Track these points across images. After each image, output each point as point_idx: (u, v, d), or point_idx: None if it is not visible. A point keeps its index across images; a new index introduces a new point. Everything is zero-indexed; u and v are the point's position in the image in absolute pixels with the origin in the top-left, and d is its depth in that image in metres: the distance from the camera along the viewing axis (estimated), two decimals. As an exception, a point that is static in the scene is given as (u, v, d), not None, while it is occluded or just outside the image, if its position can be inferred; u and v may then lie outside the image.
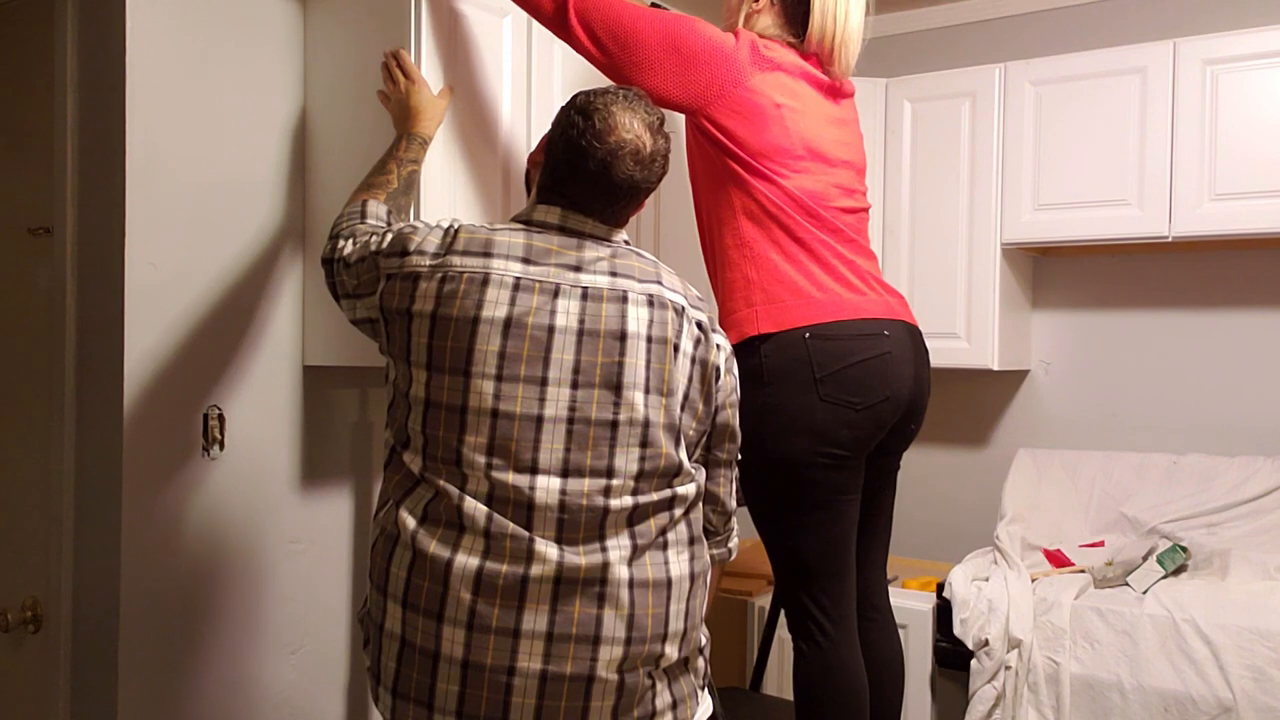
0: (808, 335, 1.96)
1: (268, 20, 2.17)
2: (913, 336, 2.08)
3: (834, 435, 1.95)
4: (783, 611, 2.15)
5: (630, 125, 1.55)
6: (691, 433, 1.59)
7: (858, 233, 2.09)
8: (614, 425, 1.48)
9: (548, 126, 2.20)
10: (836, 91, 2.12)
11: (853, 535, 2.06)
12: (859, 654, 2.08)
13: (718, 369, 1.62)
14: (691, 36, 1.95)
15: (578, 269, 1.52)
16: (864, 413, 1.96)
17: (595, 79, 2.38)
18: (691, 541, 1.56)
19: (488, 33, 2.15)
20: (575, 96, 1.61)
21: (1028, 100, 3.01)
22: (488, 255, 1.50)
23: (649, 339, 1.52)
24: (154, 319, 1.98)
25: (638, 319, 1.52)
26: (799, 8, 2.08)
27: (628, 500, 1.48)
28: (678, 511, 1.54)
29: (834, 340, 1.96)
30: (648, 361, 1.51)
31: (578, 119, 1.56)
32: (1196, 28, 3.04)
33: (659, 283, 1.58)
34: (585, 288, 1.51)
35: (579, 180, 1.57)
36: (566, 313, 1.49)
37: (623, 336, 1.50)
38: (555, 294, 1.49)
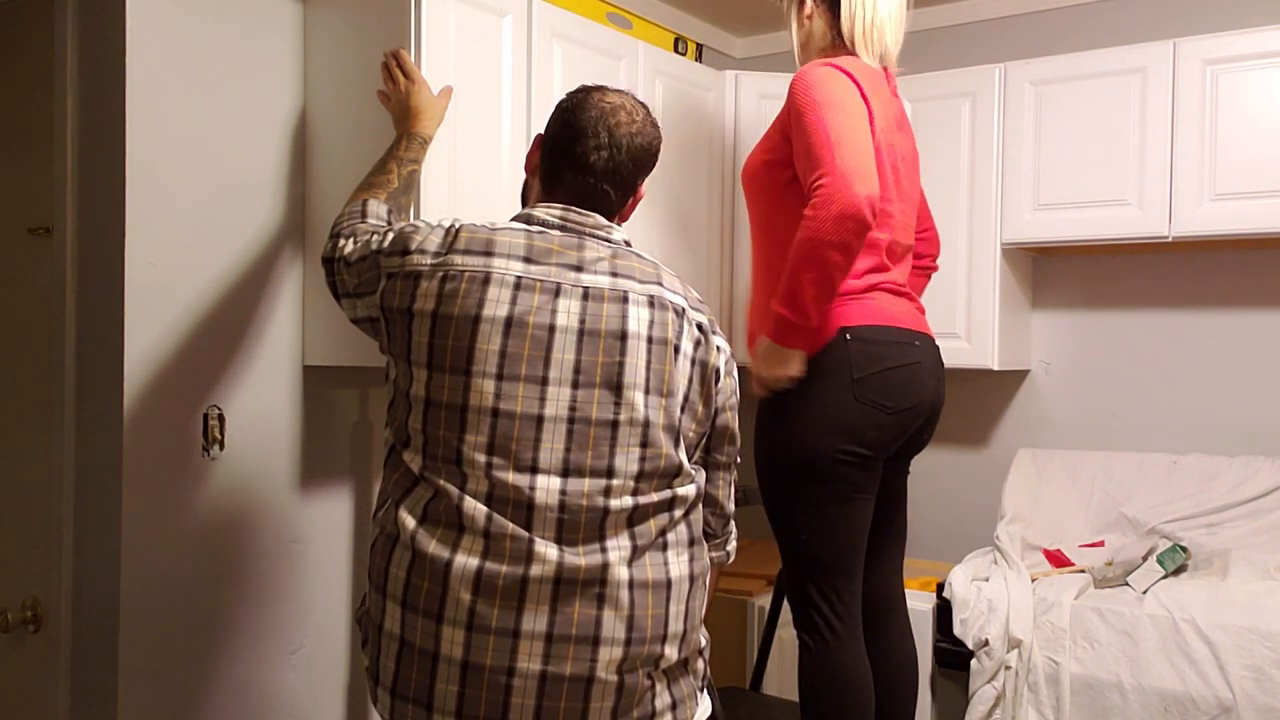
0: (849, 336, 2.01)
1: (268, 20, 2.17)
2: (934, 349, 2.16)
3: (863, 435, 1.99)
4: (789, 608, 2.16)
5: (616, 96, 1.64)
6: (691, 434, 1.59)
7: (906, 251, 2.19)
8: (614, 425, 1.48)
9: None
10: (907, 130, 2.21)
11: (865, 535, 2.09)
12: (864, 652, 2.09)
13: (717, 370, 1.63)
14: (858, 129, 1.95)
15: (579, 269, 1.52)
16: (893, 416, 2.01)
17: (597, 76, 2.38)
18: (691, 543, 1.56)
19: (488, 33, 2.15)
20: (565, 95, 1.68)
21: (1028, 100, 3.01)
22: (489, 254, 1.50)
23: (650, 339, 1.52)
24: (154, 319, 1.99)
25: (638, 319, 1.52)
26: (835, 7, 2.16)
27: (628, 501, 1.48)
28: (677, 513, 1.54)
29: (873, 344, 2.02)
30: (648, 362, 1.52)
31: (567, 100, 1.65)
32: (1196, 28, 3.04)
33: (659, 284, 1.58)
34: (586, 288, 1.51)
35: (585, 154, 1.60)
36: (568, 312, 1.49)
37: (623, 337, 1.50)
38: (556, 293, 1.49)
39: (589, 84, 1.67)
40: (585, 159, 1.60)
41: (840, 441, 1.99)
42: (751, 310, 2.19)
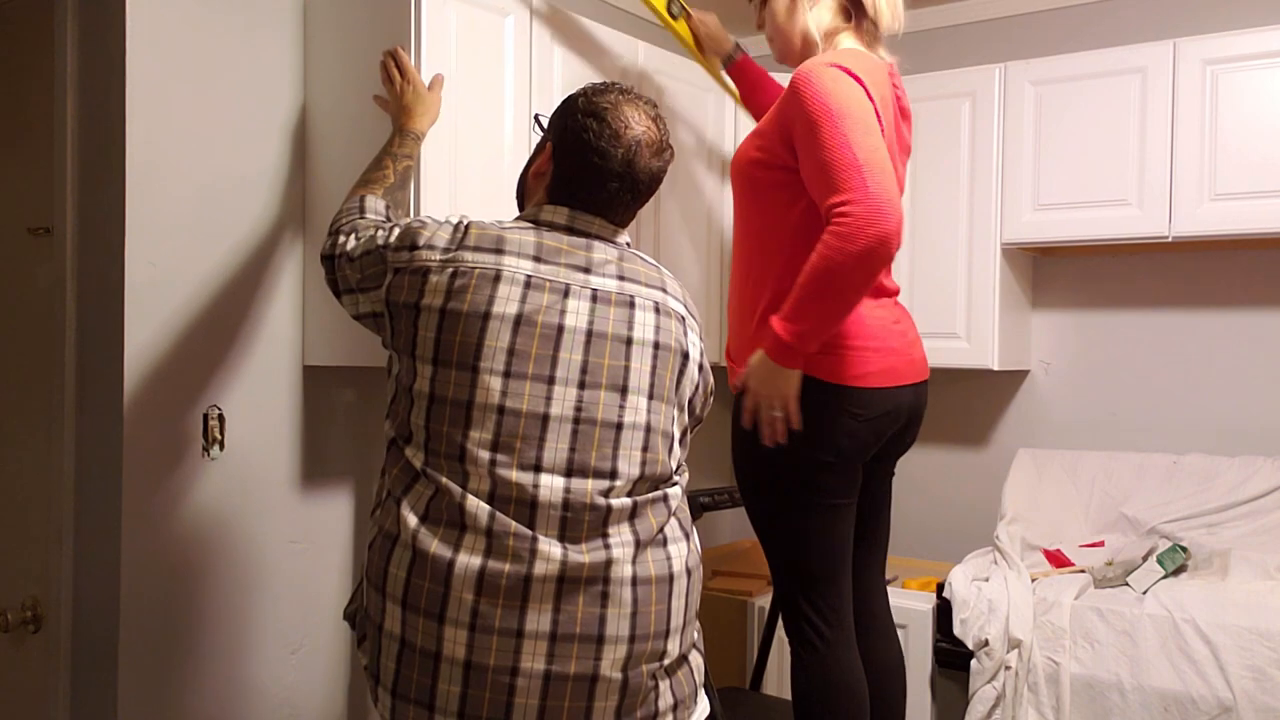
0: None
1: (268, 18, 2.17)
2: (916, 351, 2.11)
3: (836, 444, 1.96)
4: (782, 619, 2.16)
5: (639, 119, 1.58)
6: (685, 431, 1.62)
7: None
8: (619, 428, 1.48)
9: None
10: (909, 123, 2.16)
11: (849, 540, 2.07)
12: (857, 658, 2.07)
13: (705, 372, 1.66)
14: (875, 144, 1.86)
15: (587, 270, 1.53)
16: (865, 424, 1.98)
17: (597, 76, 2.38)
18: (686, 536, 1.57)
19: (488, 31, 2.15)
20: (575, 100, 1.62)
21: (1028, 100, 3.01)
22: (499, 252, 1.50)
23: (655, 345, 1.54)
24: (154, 319, 1.99)
25: (644, 324, 1.54)
26: None
27: (627, 501, 1.49)
28: (673, 505, 1.55)
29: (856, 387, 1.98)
30: (652, 368, 1.53)
31: (589, 122, 1.57)
32: (1196, 28, 3.04)
33: (663, 290, 1.60)
34: (595, 290, 1.52)
35: (602, 183, 1.57)
36: (576, 313, 1.49)
37: (629, 341, 1.51)
38: (565, 294, 1.50)
39: (608, 94, 1.60)
40: (610, 203, 1.60)
41: (813, 450, 1.96)
42: (731, 309, 2.15)
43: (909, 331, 2.10)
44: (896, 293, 2.12)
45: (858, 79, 1.90)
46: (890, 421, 2.03)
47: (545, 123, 1.72)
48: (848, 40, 2.08)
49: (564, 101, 1.64)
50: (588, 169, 1.57)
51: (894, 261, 2.11)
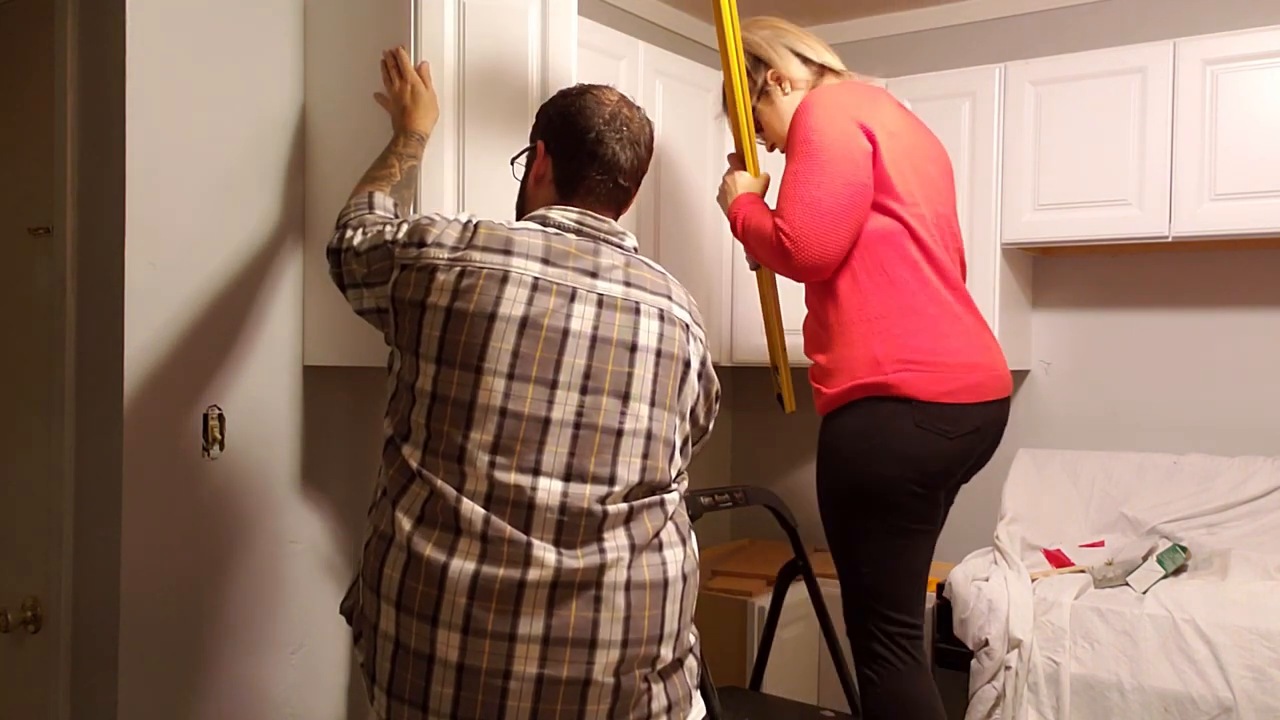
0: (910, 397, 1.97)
1: (268, 18, 2.17)
2: (998, 362, 2.09)
3: (925, 465, 1.94)
4: (847, 641, 2.12)
5: (611, 94, 1.67)
6: (685, 439, 1.62)
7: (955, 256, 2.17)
8: (619, 434, 1.48)
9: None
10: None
11: (927, 567, 2.05)
12: (931, 680, 2.04)
13: (712, 379, 1.66)
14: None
15: (594, 275, 1.53)
16: (954, 442, 1.95)
17: (597, 76, 2.38)
18: (683, 541, 1.57)
19: (487, 31, 2.14)
20: (552, 102, 1.69)
21: (1028, 100, 3.01)
22: (508, 253, 1.50)
23: (658, 353, 1.54)
24: (154, 319, 1.99)
25: (648, 332, 1.54)
26: None
27: (623, 506, 1.49)
28: (669, 510, 1.55)
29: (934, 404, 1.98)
30: (655, 375, 1.53)
31: (571, 101, 1.65)
32: (1196, 28, 3.04)
33: (669, 297, 1.60)
34: (601, 295, 1.52)
35: (602, 143, 1.61)
36: (581, 317, 1.49)
37: (633, 348, 1.51)
38: (572, 298, 1.50)
39: (574, 87, 1.69)
40: (615, 159, 1.62)
41: (903, 471, 1.92)
42: (806, 320, 2.16)
43: (992, 345, 2.08)
44: (971, 302, 2.11)
45: (859, 122, 2.00)
46: (978, 440, 2.00)
47: (520, 159, 1.75)
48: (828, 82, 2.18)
49: (538, 111, 1.72)
50: (585, 134, 1.62)
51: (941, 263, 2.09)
